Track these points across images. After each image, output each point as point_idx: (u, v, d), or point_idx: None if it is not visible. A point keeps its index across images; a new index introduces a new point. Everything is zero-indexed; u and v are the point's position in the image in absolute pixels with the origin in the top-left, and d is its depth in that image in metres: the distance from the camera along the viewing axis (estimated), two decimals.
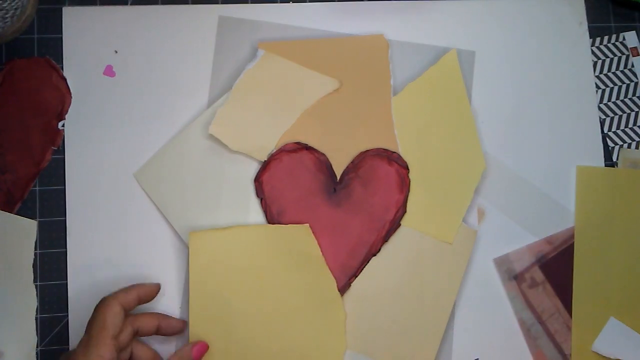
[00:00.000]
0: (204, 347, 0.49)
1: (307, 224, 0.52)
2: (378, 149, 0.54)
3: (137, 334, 0.47)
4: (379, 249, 0.53)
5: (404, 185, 0.54)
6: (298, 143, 0.53)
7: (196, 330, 0.50)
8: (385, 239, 0.53)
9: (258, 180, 0.52)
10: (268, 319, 0.50)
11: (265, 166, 0.52)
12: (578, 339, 0.54)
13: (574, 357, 0.54)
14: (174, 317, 0.50)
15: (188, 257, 0.51)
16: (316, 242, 0.52)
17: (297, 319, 0.51)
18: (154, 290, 0.50)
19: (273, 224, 0.52)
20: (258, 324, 0.50)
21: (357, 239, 0.52)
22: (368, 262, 0.52)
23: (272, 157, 0.52)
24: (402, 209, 0.53)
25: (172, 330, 0.49)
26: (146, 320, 0.48)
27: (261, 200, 0.52)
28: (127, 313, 0.47)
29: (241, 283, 0.50)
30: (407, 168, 0.54)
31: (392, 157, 0.54)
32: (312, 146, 0.53)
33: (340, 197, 0.53)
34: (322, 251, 0.52)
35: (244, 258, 0.51)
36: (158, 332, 0.49)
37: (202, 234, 0.50)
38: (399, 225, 0.53)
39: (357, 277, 0.52)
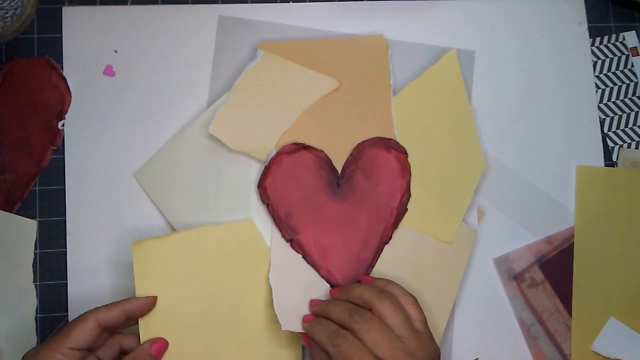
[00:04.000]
0: (164, 345, 0.47)
1: (251, 219, 0.51)
2: (374, 138, 0.54)
3: (123, 353, 0.46)
4: (390, 237, 0.53)
5: (405, 169, 0.54)
6: (295, 143, 0.53)
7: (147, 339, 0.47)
8: (395, 225, 0.53)
9: (261, 186, 0.52)
10: (219, 322, 0.49)
11: (266, 171, 0.52)
12: (578, 339, 0.54)
13: (574, 357, 0.54)
14: (112, 304, 0.46)
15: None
16: (261, 235, 0.51)
17: (249, 320, 0.49)
18: (145, 305, 0.47)
19: (282, 227, 0.52)
20: (209, 328, 0.49)
21: (368, 230, 0.53)
22: (382, 251, 0.53)
23: (272, 161, 0.52)
24: (407, 194, 0.53)
25: (118, 320, 0.46)
26: (135, 340, 0.46)
27: (267, 205, 0.52)
28: (114, 331, 0.45)
29: (189, 288, 0.48)
30: (405, 152, 0.54)
31: (389, 144, 0.54)
32: (310, 145, 0.53)
33: (345, 191, 0.53)
34: (335, 247, 0.52)
35: (189, 263, 0.49)
36: (107, 330, 0.45)
37: (145, 243, 0.49)
38: (406, 210, 0.53)
39: (373, 267, 0.52)
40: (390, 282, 0.48)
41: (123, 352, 0.46)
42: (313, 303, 0.50)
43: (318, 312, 0.48)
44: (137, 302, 0.46)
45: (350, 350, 0.42)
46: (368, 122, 0.54)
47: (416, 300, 0.46)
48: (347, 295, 0.47)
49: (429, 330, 0.46)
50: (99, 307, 0.45)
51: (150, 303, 0.47)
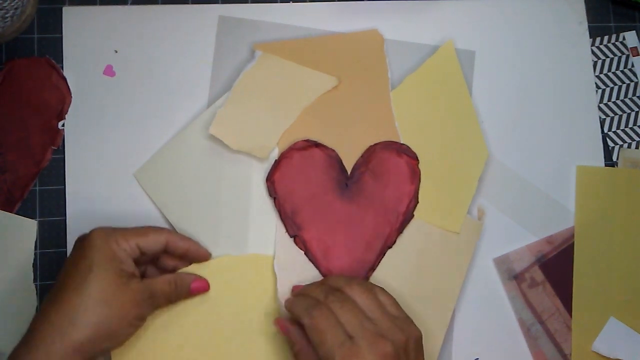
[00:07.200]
0: (205, 286, 0.49)
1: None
2: (387, 142, 0.54)
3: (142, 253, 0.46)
4: (394, 241, 0.53)
5: (415, 176, 0.54)
6: (307, 140, 0.53)
7: None
8: (400, 230, 0.53)
9: (270, 179, 0.52)
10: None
11: (276, 165, 0.52)
12: (578, 339, 0.54)
13: (574, 357, 0.54)
14: (186, 237, 0.49)
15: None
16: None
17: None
18: (203, 255, 0.50)
19: (287, 223, 0.52)
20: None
21: (372, 232, 0.53)
22: (384, 254, 0.53)
23: (283, 156, 0.52)
24: (414, 200, 0.53)
25: (181, 251, 0.48)
26: (151, 238, 0.47)
27: (274, 199, 0.52)
28: (153, 259, 0.48)
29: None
30: (416, 159, 0.54)
31: (401, 149, 0.54)
32: (321, 143, 0.53)
33: (353, 191, 0.53)
34: (338, 247, 0.52)
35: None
36: (167, 251, 0.48)
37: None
38: (412, 216, 0.53)
39: (374, 270, 0.52)
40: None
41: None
42: (295, 288, 0.51)
43: (297, 294, 0.49)
44: (201, 250, 0.49)
45: (324, 324, 0.43)
46: (368, 117, 0.54)
47: (386, 291, 0.48)
48: (324, 283, 0.49)
49: (404, 313, 0.46)
50: (173, 231, 0.49)
51: (207, 256, 0.50)
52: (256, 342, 0.50)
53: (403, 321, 0.45)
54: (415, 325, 0.46)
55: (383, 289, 0.48)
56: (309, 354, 0.45)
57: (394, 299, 0.47)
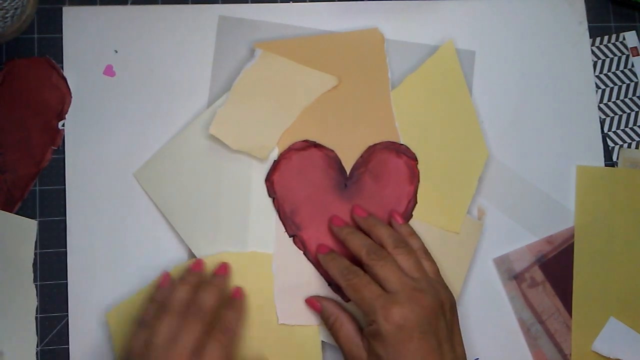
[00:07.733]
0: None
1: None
2: (386, 142, 0.54)
3: None
4: None
5: (414, 176, 0.54)
6: (306, 141, 0.53)
7: None
8: None
9: (269, 180, 0.52)
10: None
11: (275, 166, 0.52)
12: (578, 339, 0.54)
13: (574, 357, 0.54)
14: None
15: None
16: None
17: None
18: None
19: (286, 222, 0.52)
20: None
21: None
22: None
23: (282, 156, 0.52)
24: (413, 201, 0.53)
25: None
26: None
27: (273, 199, 0.52)
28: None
29: None
30: (415, 159, 0.54)
31: (400, 150, 0.54)
32: (320, 143, 0.53)
33: (352, 192, 0.53)
34: (337, 248, 0.52)
35: None
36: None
37: (118, 309, 0.50)
38: (411, 216, 0.53)
39: None
40: (413, 234, 0.51)
41: None
42: (336, 222, 0.51)
43: (338, 236, 0.51)
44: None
45: (360, 283, 0.46)
46: (368, 117, 0.54)
47: (432, 257, 0.49)
48: (369, 229, 0.50)
49: (443, 280, 0.48)
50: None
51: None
52: (253, 337, 0.50)
53: (441, 285, 0.47)
54: (450, 291, 0.48)
55: (430, 255, 0.49)
56: (344, 323, 0.47)
57: (435, 264, 0.49)
